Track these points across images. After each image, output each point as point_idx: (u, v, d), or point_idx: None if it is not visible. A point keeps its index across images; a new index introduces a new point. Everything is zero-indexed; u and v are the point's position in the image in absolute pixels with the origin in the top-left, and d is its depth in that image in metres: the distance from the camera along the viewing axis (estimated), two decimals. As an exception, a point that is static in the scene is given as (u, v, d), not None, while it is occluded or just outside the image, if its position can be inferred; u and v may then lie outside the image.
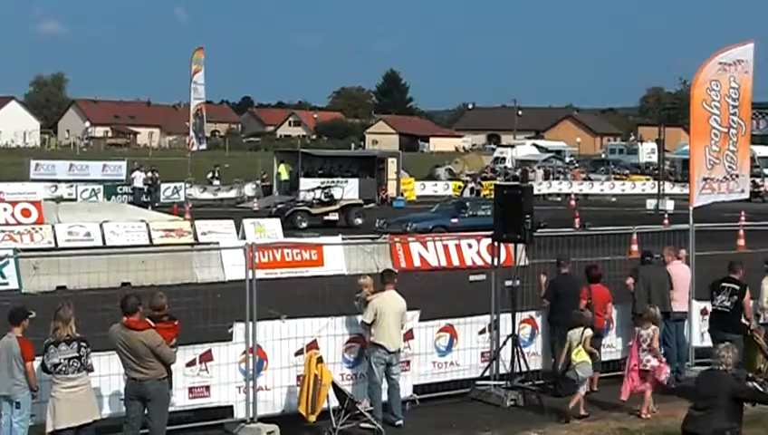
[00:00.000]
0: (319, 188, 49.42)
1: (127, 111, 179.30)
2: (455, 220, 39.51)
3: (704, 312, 19.31)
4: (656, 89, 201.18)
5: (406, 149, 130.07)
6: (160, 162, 74.66)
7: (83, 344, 12.84)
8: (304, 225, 44.65)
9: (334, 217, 46.51)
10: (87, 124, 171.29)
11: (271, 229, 38.03)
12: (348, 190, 58.34)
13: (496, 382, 17.07)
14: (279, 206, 48.14)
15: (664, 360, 16.85)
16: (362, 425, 14.84)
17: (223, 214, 45.71)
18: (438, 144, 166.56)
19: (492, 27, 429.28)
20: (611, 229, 23.02)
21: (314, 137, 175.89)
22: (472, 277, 18.89)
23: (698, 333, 19.29)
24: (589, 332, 16.65)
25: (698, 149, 19.76)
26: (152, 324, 13.21)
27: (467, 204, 43.02)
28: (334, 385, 14.73)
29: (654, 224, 36.33)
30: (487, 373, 17.21)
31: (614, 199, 70.57)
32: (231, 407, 15.04)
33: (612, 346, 18.54)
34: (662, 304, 17.99)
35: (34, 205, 44.09)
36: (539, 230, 18.93)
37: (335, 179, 58.18)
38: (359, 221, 46.55)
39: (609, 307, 18.13)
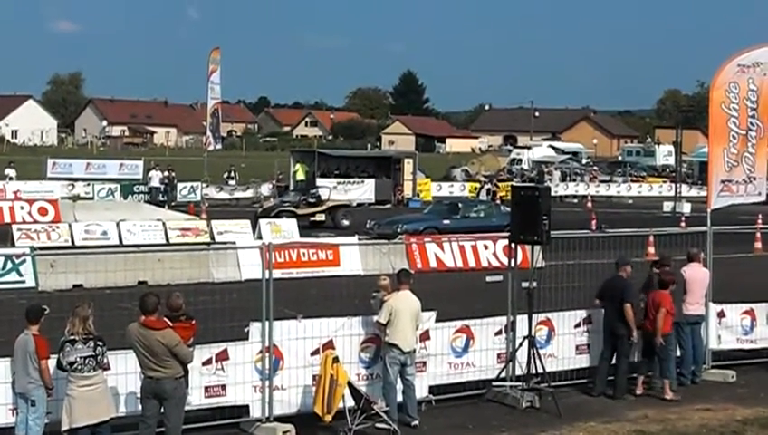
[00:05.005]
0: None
1: (144, 111, 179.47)
2: (447, 222, 38.77)
3: (720, 314, 19.27)
4: (673, 91, 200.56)
5: (422, 149, 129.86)
6: (177, 162, 74.63)
7: (99, 343, 12.87)
8: None
9: (321, 217, 45.41)
10: (104, 123, 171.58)
11: (287, 229, 37.99)
12: (364, 191, 58.41)
13: (512, 384, 17.04)
14: (265, 206, 46.80)
15: None
16: (378, 425, 14.81)
17: (239, 214, 45.64)
18: (455, 145, 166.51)
19: (509, 29, 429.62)
20: (628, 231, 22.95)
21: (330, 137, 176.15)
22: (489, 278, 18.79)
23: (715, 336, 19.23)
24: None
25: (716, 151, 19.68)
26: (170, 324, 13.21)
27: (460, 205, 42.17)
28: (350, 385, 14.73)
29: (671, 226, 36.22)
30: (503, 375, 17.19)
31: (631, 202, 70.40)
32: (247, 406, 15.04)
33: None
34: (676, 312, 17.87)
35: (51, 203, 44.32)
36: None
37: (351, 179, 58.18)
38: (346, 222, 45.21)
39: (660, 314, 17.35)
